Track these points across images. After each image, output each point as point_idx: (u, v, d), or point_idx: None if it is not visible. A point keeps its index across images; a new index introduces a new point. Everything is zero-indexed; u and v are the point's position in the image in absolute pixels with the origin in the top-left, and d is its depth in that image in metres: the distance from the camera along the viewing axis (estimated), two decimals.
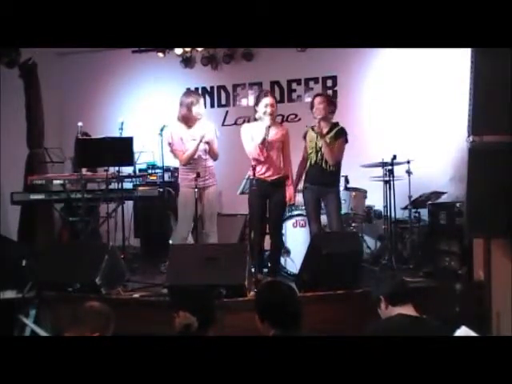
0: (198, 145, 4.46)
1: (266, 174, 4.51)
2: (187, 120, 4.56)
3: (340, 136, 4.61)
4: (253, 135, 4.47)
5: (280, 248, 4.60)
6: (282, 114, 6.38)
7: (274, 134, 4.50)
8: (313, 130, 4.60)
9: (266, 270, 4.70)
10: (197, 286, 3.01)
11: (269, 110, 4.43)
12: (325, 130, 4.59)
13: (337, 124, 4.68)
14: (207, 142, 4.51)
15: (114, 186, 5.30)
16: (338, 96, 6.47)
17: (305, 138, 4.72)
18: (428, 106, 6.05)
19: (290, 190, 4.54)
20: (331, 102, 4.73)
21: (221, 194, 6.13)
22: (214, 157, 4.63)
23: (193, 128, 4.55)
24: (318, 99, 4.63)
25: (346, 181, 5.41)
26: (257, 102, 4.55)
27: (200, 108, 4.55)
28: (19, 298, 3.94)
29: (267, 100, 4.46)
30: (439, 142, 5.92)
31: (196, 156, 4.53)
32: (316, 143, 4.60)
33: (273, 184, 4.51)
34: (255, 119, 4.57)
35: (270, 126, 4.40)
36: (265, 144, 4.40)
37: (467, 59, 3.45)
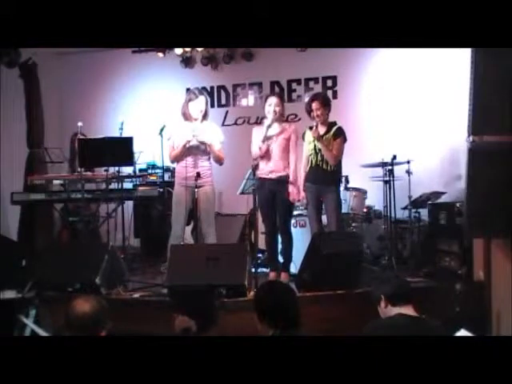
0: (185, 145, 4.42)
1: (269, 172, 4.52)
2: (187, 117, 4.54)
3: (338, 135, 4.60)
4: (259, 137, 4.50)
5: (291, 244, 4.59)
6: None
7: (278, 131, 4.51)
8: (311, 130, 4.59)
9: (264, 269, 4.71)
10: (196, 288, 2.98)
11: (271, 108, 4.49)
12: (322, 131, 4.58)
13: (334, 123, 4.67)
14: (203, 143, 4.49)
15: (114, 185, 5.32)
16: (337, 96, 6.47)
17: (303, 138, 4.71)
18: (428, 106, 6.05)
19: (290, 188, 4.50)
20: (328, 103, 4.69)
21: (221, 193, 6.14)
22: (217, 160, 4.57)
23: (194, 127, 4.51)
24: (315, 104, 4.59)
25: (346, 181, 5.41)
26: (263, 102, 4.64)
27: (198, 105, 4.51)
28: (19, 298, 3.94)
29: (270, 100, 4.54)
30: (439, 142, 5.92)
31: (192, 155, 4.51)
32: (315, 145, 4.59)
33: (277, 182, 4.51)
34: (264, 118, 4.64)
35: (269, 125, 4.44)
36: (264, 142, 4.44)
37: (467, 59, 3.44)
